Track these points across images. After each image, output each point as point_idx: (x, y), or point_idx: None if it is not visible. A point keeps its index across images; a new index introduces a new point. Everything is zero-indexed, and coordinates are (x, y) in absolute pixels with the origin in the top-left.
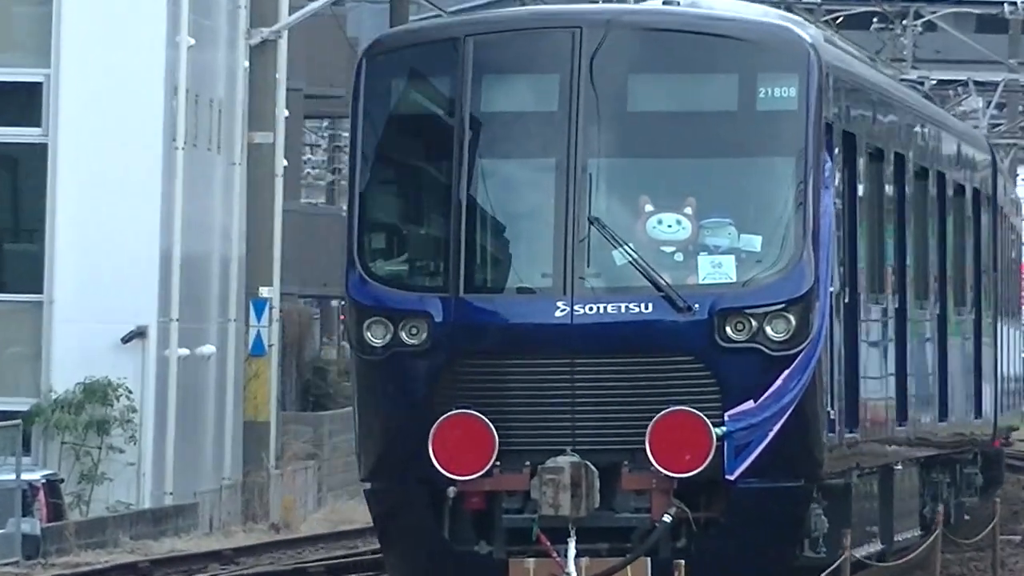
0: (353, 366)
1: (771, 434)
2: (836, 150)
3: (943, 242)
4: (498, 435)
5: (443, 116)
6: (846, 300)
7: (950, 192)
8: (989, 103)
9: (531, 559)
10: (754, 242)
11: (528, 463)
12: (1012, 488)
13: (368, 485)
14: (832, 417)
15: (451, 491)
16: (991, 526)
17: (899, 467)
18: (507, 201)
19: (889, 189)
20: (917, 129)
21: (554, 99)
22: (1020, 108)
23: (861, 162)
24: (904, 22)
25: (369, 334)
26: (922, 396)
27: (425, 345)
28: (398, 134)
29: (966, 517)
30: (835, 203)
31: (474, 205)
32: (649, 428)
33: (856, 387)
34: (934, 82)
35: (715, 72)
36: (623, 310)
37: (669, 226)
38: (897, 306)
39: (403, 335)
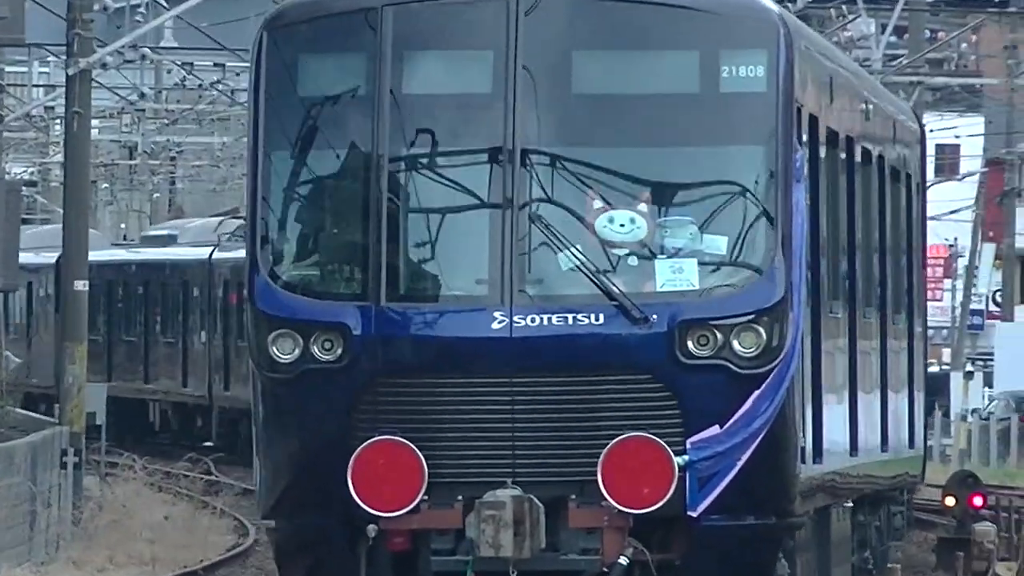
0: (256, 385)
1: (739, 464)
2: (804, 136)
3: (883, 238)
4: (427, 465)
5: (359, 99)
6: (809, 309)
7: (889, 179)
8: (884, 27)
9: None
10: (719, 244)
11: (461, 497)
12: (918, 550)
13: (271, 523)
14: (802, 445)
15: (371, 529)
16: None
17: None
18: (435, 196)
19: (843, 179)
20: (861, 105)
21: (487, 79)
22: (926, 34)
23: (822, 150)
24: None
25: (275, 348)
26: (870, 422)
27: (341, 361)
28: (306, 119)
29: (892, 566)
30: (805, 198)
31: (397, 201)
32: (601, 457)
33: (820, 411)
34: None
35: (672, 48)
36: (570, 322)
37: (622, 225)
38: (849, 315)
39: (315, 350)
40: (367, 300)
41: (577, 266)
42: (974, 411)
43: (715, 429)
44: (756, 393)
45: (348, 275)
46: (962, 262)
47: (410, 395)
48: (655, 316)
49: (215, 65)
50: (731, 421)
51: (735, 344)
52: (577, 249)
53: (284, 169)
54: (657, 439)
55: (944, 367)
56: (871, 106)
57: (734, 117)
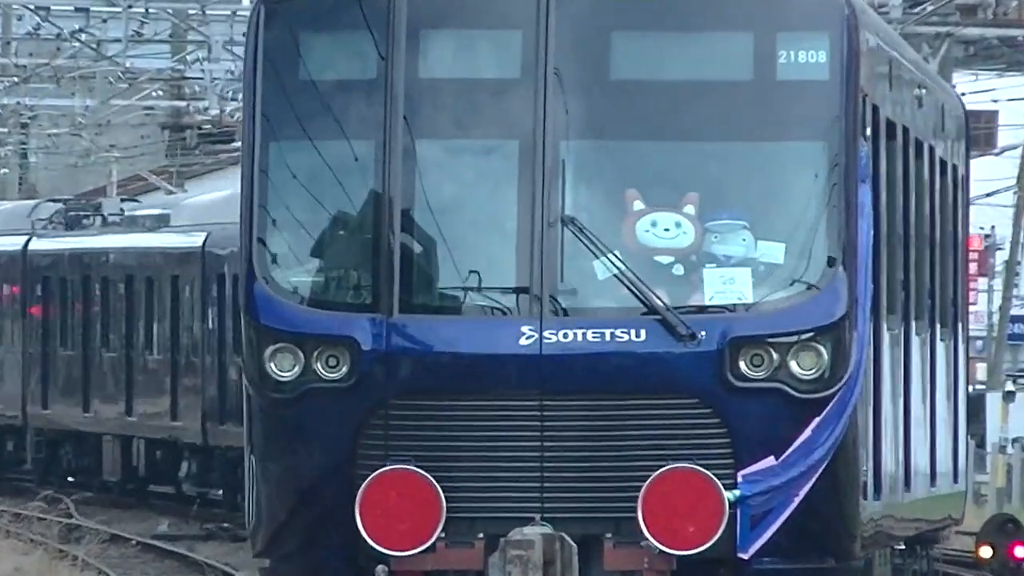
0: (250, 406)
1: (796, 500)
2: (868, 129)
3: (933, 242)
4: (444, 497)
5: (369, 84)
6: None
7: (938, 174)
8: None
9: None
10: (775, 251)
11: (483, 535)
12: None
13: (266, 563)
14: (864, 479)
15: (381, 570)
16: None
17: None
18: (455, 195)
19: (900, 176)
20: (914, 91)
21: (515, 63)
22: None
23: (882, 144)
24: None
25: (273, 365)
26: (920, 453)
27: (348, 380)
28: (309, 106)
29: None
30: (871, 199)
31: (412, 200)
32: (641, 491)
33: (879, 440)
34: None
35: (723, 30)
36: (607, 338)
37: (666, 229)
38: (903, 331)
39: (318, 367)
40: (377, 311)
41: (616, 275)
42: (1015, 441)
43: (770, 460)
44: (816, 420)
45: (356, 282)
46: (1000, 256)
47: (426, 419)
48: (703, 332)
49: (76, 10)
50: (788, 452)
51: (793, 365)
52: (616, 256)
53: (284, 162)
54: (704, 471)
55: (979, 386)
56: (923, 91)
57: (792, 108)
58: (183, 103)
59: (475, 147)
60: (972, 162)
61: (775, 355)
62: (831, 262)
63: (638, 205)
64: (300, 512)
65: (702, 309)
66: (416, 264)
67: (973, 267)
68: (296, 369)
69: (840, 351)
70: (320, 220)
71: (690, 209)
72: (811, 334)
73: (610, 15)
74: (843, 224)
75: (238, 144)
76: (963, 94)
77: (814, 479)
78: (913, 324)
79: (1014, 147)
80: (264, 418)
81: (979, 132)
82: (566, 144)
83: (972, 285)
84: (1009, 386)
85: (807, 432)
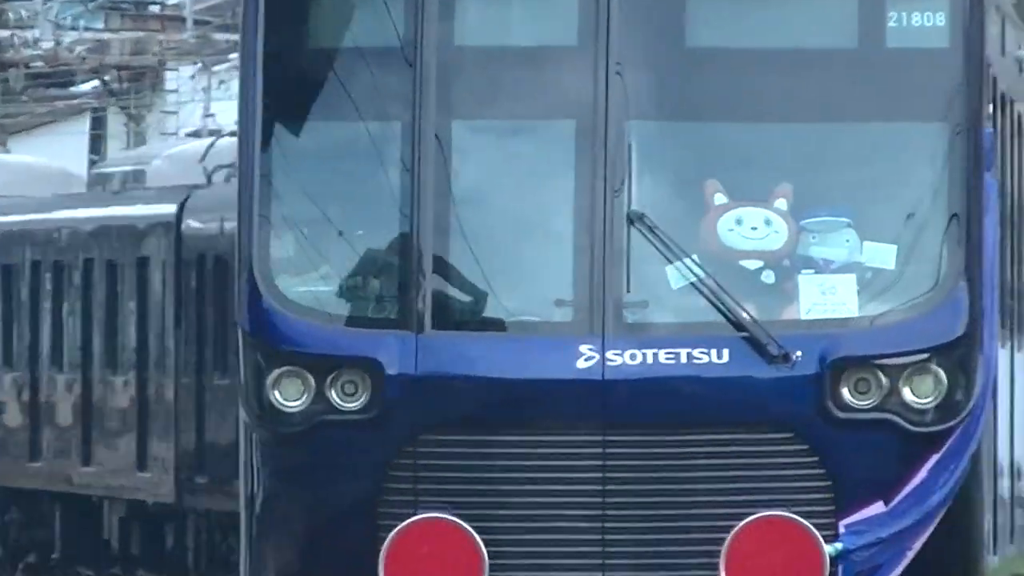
0: (248, 442)
1: (909, 554)
2: (990, 108)
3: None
4: (486, 552)
5: (394, 53)
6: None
7: None
8: None
9: None
10: (885, 254)
11: None
12: None
13: None
14: (987, 528)
15: None
16: None
17: None
18: (498, 188)
19: (1013, 158)
20: (1016, 54)
21: (571, 27)
22: None
23: (999, 121)
24: None
25: (277, 393)
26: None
27: (369, 411)
28: (322, 81)
29: None
30: (996, 191)
31: (446, 193)
32: (725, 544)
33: (996, 482)
34: None
35: None
36: (683, 359)
37: (753, 228)
38: (1012, 349)
39: (333, 395)
40: (405, 327)
41: (693, 283)
42: None
43: (878, 507)
44: (933, 459)
45: (379, 293)
46: None
47: (463, 457)
48: (799, 353)
49: None
50: (899, 497)
51: (906, 392)
52: (693, 260)
53: (289, 147)
54: (800, 520)
55: None
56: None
57: (905, 82)
58: (5, 33)
59: (522, 129)
60: None
61: (885, 380)
62: (952, 268)
63: (720, 199)
64: (313, 568)
65: (797, 324)
66: (451, 270)
67: None
68: (306, 397)
69: (963, 375)
70: (335, 217)
71: (782, 204)
72: (928, 355)
73: None
74: (966, 222)
75: (81, 89)
76: None
77: (930, 530)
78: (1016, 337)
79: None
80: (266, 458)
81: None
82: (632, 125)
83: None
84: None
85: (922, 473)
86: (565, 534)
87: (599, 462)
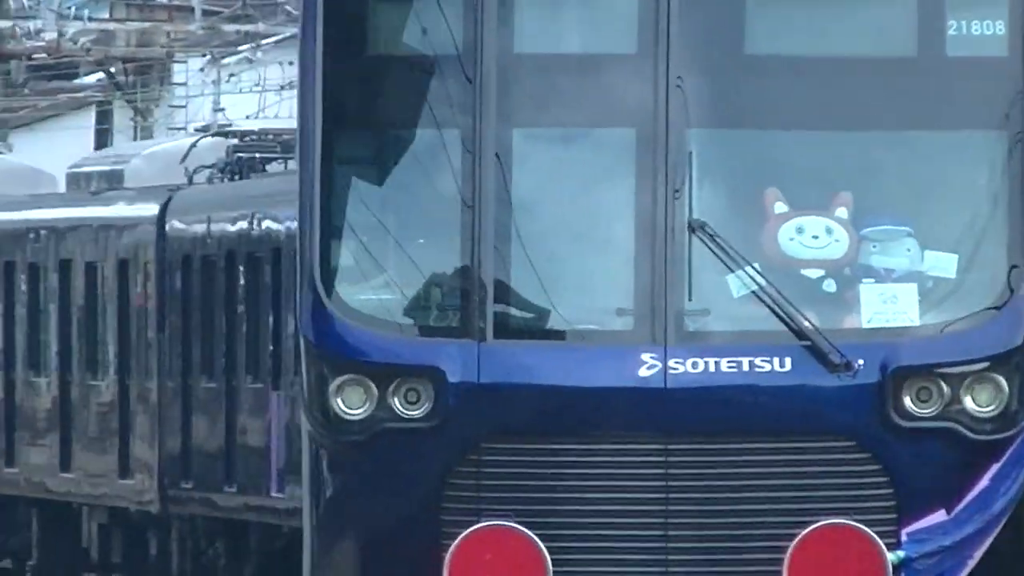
0: (311, 450)
1: (971, 563)
2: None
3: None
4: (550, 560)
5: (454, 60)
6: None
7: None
8: None
9: None
10: (946, 263)
11: None
12: None
13: None
14: None
15: None
16: None
17: None
18: (558, 195)
19: None
20: None
21: (631, 35)
22: None
23: None
24: None
25: (340, 401)
26: None
27: (432, 419)
28: (382, 88)
29: None
30: None
31: (507, 202)
32: (788, 552)
33: None
34: None
35: None
36: (745, 368)
37: (814, 237)
38: None
39: (396, 403)
40: (467, 336)
41: (754, 292)
42: None
43: (940, 515)
44: (995, 467)
45: (440, 301)
46: None
47: (526, 465)
48: (861, 361)
49: None
50: (961, 505)
51: (967, 400)
52: (754, 269)
53: (350, 156)
54: (863, 528)
55: None
56: None
57: (966, 90)
58: (6, 23)
59: (582, 137)
60: None
61: (946, 389)
62: (1014, 276)
63: (780, 207)
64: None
65: (859, 333)
66: (513, 279)
67: None
68: (368, 405)
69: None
70: (395, 226)
71: (843, 212)
72: (989, 364)
73: None
74: None
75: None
76: None
77: (992, 536)
78: None
79: None
80: (328, 466)
81: None
82: (693, 133)
83: None
84: None
85: (984, 481)
86: (628, 542)
87: (661, 470)
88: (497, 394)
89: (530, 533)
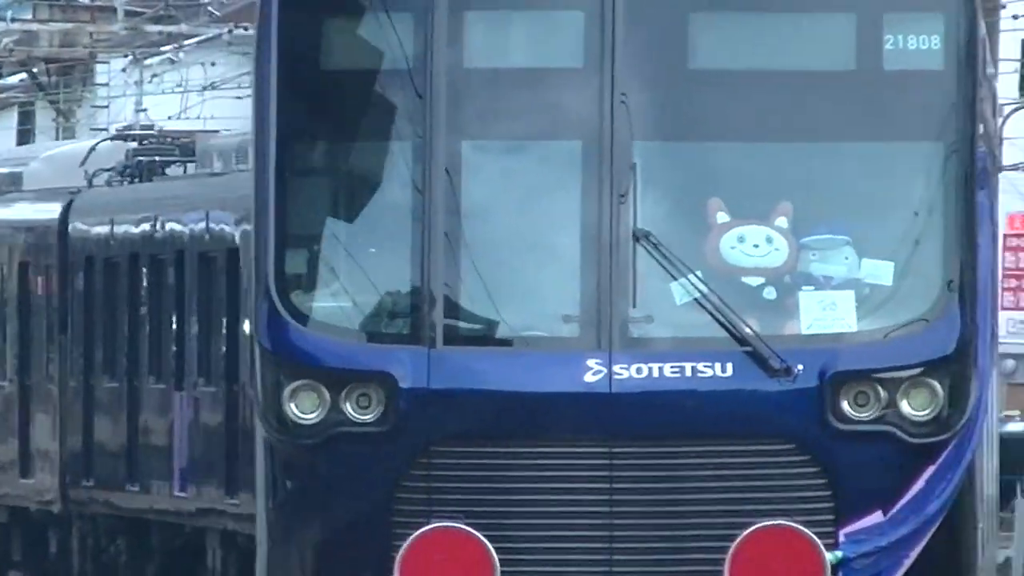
0: (265, 454)
1: (907, 562)
2: (981, 127)
3: None
4: (498, 560)
5: (405, 75)
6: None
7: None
8: None
9: None
10: (883, 271)
11: None
12: None
13: None
14: (981, 537)
15: None
16: None
17: None
18: (507, 206)
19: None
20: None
21: (577, 49)
22: None
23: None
24: None
25: (293, 406)
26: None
27: (383, 424)
28: (335, 102)
29: None
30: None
31: (457, 212)
32: (729, 553)
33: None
34: None
35: (821, 10)
36: (687, 373)
37: (755, 245)
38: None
39: (348, 408)
40: (418, 342)
41: (697, 299)
42: None
43: (876, 516)
44: (930, 469)
45: (390, 309)
46: None
47: (475, 468)
48: (800, 367)
49: None
50: (897, 506)
51: (903, 405)
52: (697, 277)
53: (304, 167)
54: (803, 528)
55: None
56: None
57: (902, 102)
58: None
59: (530, 149)
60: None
61: (883, 393)
62: (949, 284)
63: (722, 217)
64: None
65: (798, 339)
66: (462, 287)
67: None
68: (321, 410)
69: (958, 388)
70: (349, 235)
71: (783, 222)
72: (925, 369)
73: None
74: (962, 239)
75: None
76: (1014, 17)
77: (927, 537)
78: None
79: None
80: (282, 469)
81: None
82: (637, 145)
83: (1022, 282)
84: None
85: (920, 483)
86: (573, 543)
87: (606, 473)
88: (447, 399)
89: (479, 534)
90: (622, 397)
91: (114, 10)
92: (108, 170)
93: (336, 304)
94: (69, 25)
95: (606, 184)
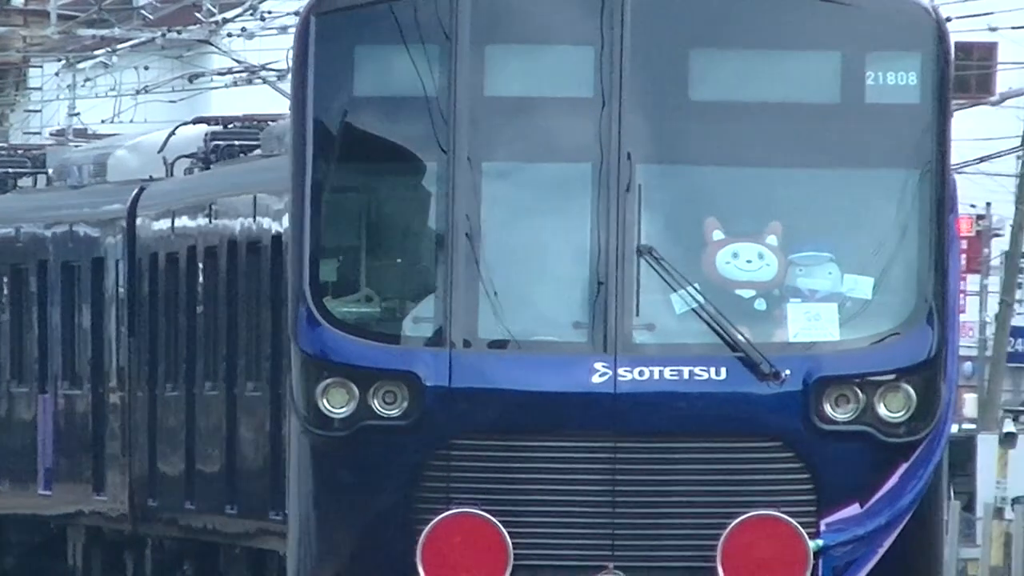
0: (299, 445)
1: (881, 551)
2: (952, 156)
3: None
4: (511, 544)
5: (430, 102)
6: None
7: None
8: None
9: None
10: (863, 285)
11: None
12: None
13: None
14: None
15: None
16: None
17: None
18: (523, 221)
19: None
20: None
21: (588, 81)
22: None
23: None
24: None
25: (326, 401)
26: None
27: (408, 418)
28: (366, 125)
29: None
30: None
31: (477, 226)
32: (721, 539)
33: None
34: None
35: (808, 49)
36: (685, 376)
37: (748, 261)
38: None
39: (375, 404)
40: (440, 344)
41: (694, 309)
42: (1017, 501)
43: (855, 508)
44: (903, 466)
45: (417, 313)
46: (998, 244)
47: (491, 460)
48: (787, 371)
49: None
50: (874, 499)
51: (880, 407)
52: (695, 289)
53: (338, 183)
54: (788, 518)
55: (966, 426)
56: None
57: (882, 133)
58: None
59: (543, 170)
60: (964, 115)
61: (862, 396)
62: (922, 298)
63: (718, 235)
64: (354, 561)
65: (786, 347)
66: (481, 294)
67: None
68: (351, 405)
69: (930, 393)
70: (378, 246)
71: (773, 240)
72: (900, 374)
73: (688, 32)
74: (935, 258)
75: None
76: (950, 19)
77: (900, 528)
78: None
79: (1017, 94)
80: (313, 459)
81: (970, 73)
82: (641, 168)
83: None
84: (1009, 426)
85: (894, 479)
86: (579, 528)
87: (610, 466)
88: (466, 397)
89: (494, 520)
90: (625, 397)
91: (47, 14)
92: (189, 156)
93: (366, 310)
94: (1, 29)
95: (613, 203)
